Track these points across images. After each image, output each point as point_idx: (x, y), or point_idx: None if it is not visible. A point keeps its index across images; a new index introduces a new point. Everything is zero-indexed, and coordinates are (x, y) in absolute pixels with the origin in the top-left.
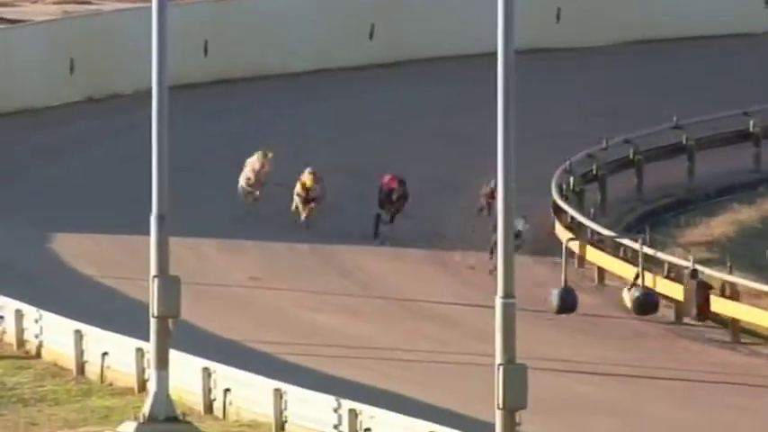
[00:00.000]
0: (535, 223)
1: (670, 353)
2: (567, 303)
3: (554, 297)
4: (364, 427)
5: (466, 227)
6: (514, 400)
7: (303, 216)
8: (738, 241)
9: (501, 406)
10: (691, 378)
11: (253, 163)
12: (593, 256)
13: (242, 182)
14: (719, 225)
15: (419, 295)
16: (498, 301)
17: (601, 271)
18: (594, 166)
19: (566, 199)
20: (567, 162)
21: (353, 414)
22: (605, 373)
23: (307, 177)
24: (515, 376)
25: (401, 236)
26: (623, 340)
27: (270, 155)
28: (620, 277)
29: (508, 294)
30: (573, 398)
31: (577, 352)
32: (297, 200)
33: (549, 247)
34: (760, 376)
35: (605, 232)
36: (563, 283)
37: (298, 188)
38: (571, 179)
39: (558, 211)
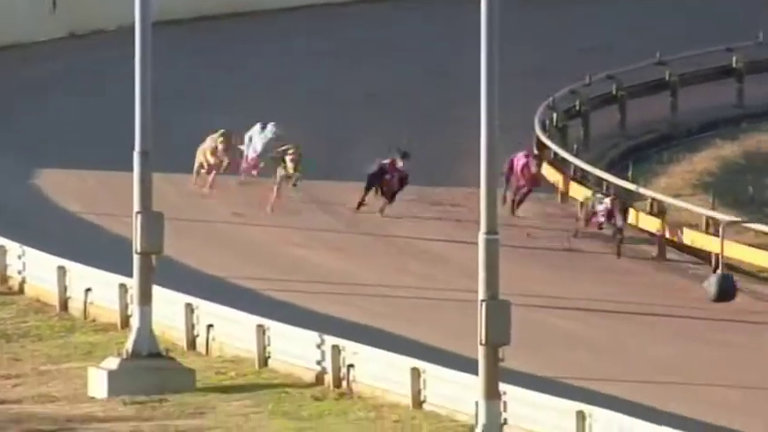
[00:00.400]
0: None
1: (653, 289)
2: (726, 290)
3: (711, 283)
4: (347, 363)
5: (456, 166)
6: (497, 336)
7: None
8: (721, 177)
9: (484, 341)
10: (673, 314)
11: (210, 145)
12: (578, 192)
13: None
14: (702, 161)
15: (404, 232)
16: (481, 238)
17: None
18: (578, 102)
19: (549, 135)
20: (551, 98)
21: (336, 350)
22: (588, 308)
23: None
24: (498, 312)
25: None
26: (606, 276)
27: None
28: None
29: (491, 231)
30: (555, 333)
31: (561, 288)
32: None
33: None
34: (741, 312)
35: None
36: (720, 269)
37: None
38: (554, 115)
39: (542, 147)
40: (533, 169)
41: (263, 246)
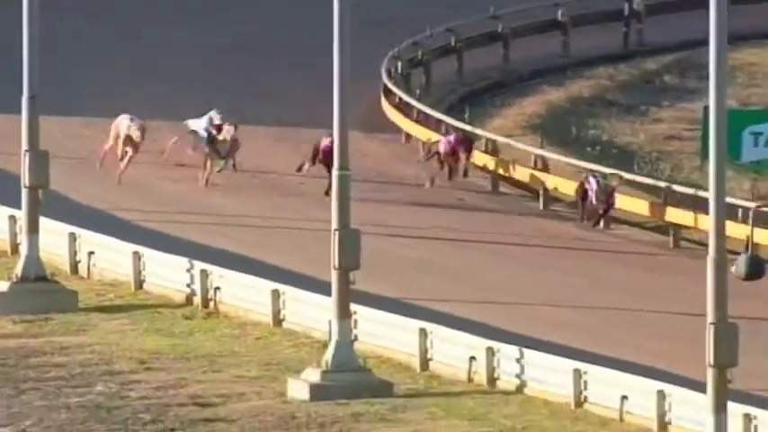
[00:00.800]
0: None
1: (492, 220)
2: (756, 269)
3: (741, 263)
4: (214, 285)
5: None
6: (349, 261)
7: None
8: (548, 119)
9: (337, 266)
10: (511, 242)
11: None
12: (421, 132)
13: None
14: (531, 105)
15: (270, 169)
16: (335, 173)
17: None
18: (420, 53)
19: (394, 81)
20: (395, 49)
21: (204, 274)
22: (433, 237)
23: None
24: (350, 240)
25: (253, 119)
26: (448, 209)
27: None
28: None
29: (343, 167)
30: (405, 260)
31: (410, 220)
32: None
33: (379, 124)
34: (576, 239)
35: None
36: (749, 250)
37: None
38: (399, 64)
39: (388, 93)
40: (461, 156)
41: (142, 181)
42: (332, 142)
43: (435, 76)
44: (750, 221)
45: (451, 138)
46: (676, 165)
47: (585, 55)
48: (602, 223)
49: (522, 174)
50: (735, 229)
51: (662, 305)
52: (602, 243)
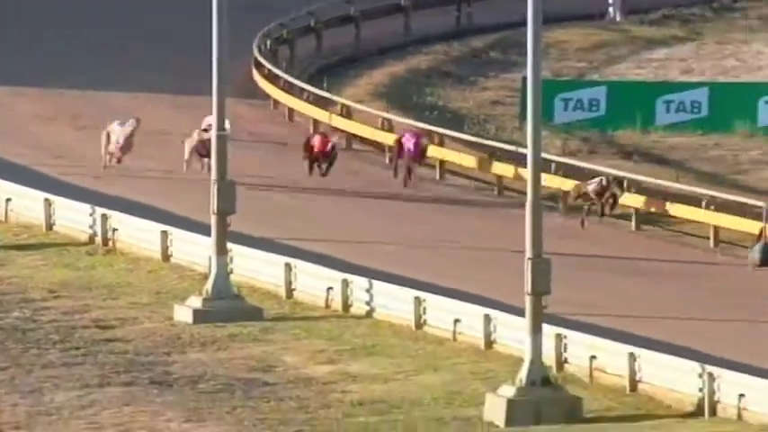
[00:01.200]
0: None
1: (348, 174)
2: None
3: (756, 252)
4: (113, 227)
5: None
6: (225, 207)
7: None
8: (393, 88)
9: (215, 211)
10: (366, 193)
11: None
12: (287, 99)
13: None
14: (378, 76)
15: (161, 127)
16: (214, 133)
17: (291, 111)
18: (285, 32)
19: (264, 56)
20: (265, 29)
21: (104, 217)
22: (300, 187)
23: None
24: (226, 189)
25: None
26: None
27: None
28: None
29: (221, 128)
30: (275, 206)
31: (275, 172)
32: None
33: (252, 92)
34: (418, 192)
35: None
36: (764, 240)
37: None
38: (268, 42)
39: (258, 65)
40: (424, 143)
41: (55, 141)
42: (320, 138)
43: (298, 51)
44: (764, 217)
45: (410, 135)
46: (500, 126)
47: (424, 34)
48: (412, 178)
49: (370, 132)
50: (550, 180)
51: (488, 244)
52: (436, 193)
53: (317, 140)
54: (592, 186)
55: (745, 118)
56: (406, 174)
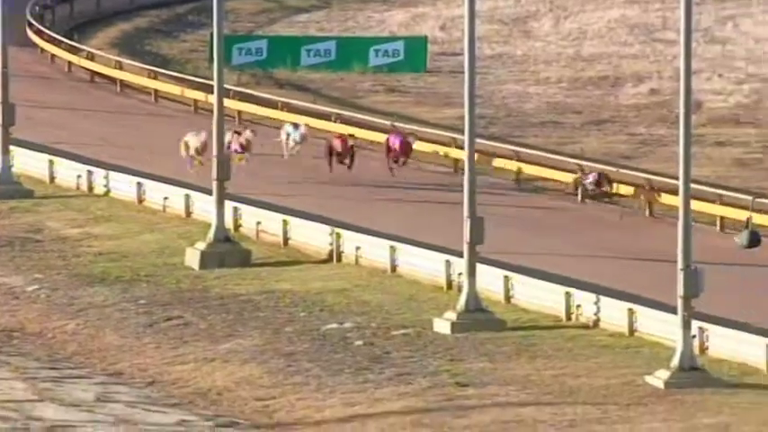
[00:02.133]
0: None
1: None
2: (753, 240)
3: (743, 237)
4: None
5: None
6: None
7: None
8: (124, 40)
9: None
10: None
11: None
12: (49, 47)
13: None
14: (113, 32)
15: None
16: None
17: (52, 56)
18: (48, 0)
19: (34, 17)
20: None
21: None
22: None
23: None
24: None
25: None
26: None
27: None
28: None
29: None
30: (38, 120)
31: (41, 97)
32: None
33: (26, 42)
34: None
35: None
36: (749, 227)
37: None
38: (37, 8)
39: (30, 24)
40: (411, 140)
41: None
42: (341, 139)
43: (57, 15)
44: (751, 205)
45: (395, 136)
46: (195, 66)
47: (150, 3)
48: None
49: (109, 71)
50: (227, 104)
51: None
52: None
53: (337, 143)
54: (589, 180)
55: (361, 61)
56: (392, 165)
